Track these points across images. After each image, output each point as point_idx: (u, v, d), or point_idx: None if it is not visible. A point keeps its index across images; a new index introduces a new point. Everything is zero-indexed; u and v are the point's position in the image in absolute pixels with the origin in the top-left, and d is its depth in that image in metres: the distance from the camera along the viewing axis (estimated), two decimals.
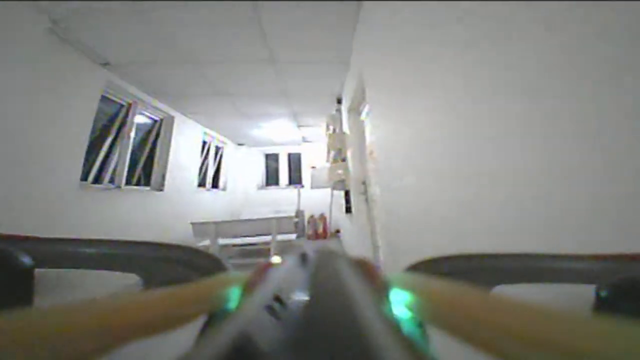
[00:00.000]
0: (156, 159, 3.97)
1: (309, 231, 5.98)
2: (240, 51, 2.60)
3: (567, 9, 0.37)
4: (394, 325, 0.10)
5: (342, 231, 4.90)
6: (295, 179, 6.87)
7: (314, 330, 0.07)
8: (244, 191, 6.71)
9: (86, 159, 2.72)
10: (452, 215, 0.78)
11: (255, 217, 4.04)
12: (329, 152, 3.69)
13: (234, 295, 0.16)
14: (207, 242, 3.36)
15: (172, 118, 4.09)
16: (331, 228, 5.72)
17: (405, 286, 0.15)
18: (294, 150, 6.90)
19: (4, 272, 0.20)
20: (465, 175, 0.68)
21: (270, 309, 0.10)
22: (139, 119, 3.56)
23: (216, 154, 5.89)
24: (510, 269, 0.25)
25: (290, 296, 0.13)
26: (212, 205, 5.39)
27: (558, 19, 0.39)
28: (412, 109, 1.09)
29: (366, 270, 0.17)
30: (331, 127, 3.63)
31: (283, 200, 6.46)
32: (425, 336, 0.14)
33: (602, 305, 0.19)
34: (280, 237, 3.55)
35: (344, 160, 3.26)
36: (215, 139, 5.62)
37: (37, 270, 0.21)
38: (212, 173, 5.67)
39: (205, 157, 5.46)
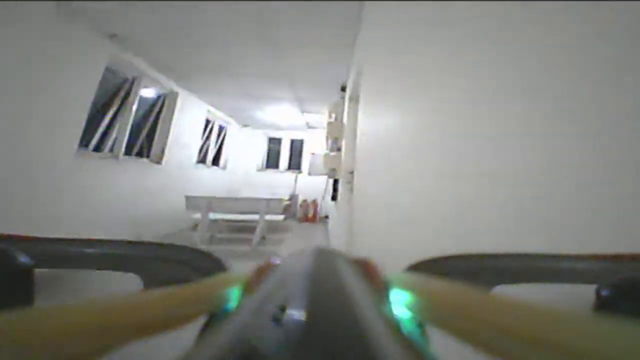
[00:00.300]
0: (157, 133, 4.00)
1: (299, 214, 6.23)
2: (246, 33, 2.56)
3: (563, 9, 0.37)
4: (394, 325, 0.10)
5: (329, 217, 5.12)
6: (294, 165, 7.03)
7: (314, 331, 0.07)
8: (244, 172, 6.88)
9: (89, 128, 2.81)
10: (407, 202, 0.81)
11: (253, 197, 4.32)
12: (327, 140, 3.74)
13: (234, 295, 0.16)
14: (198, 216, 3.56)
15: (175, 94, 4.12)
16: (321, 213, 6.02)
17: (405, 286, 0.15)
18: (297, 136, 7.02)
19: (4, 272, 0.20)
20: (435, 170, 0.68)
21: (269, 310, 0.10)
22: (145, 92, 3.66)
23: (219, 133, 6.01)
24: (510, 269, 0.25)
25: (290, 296, 0.13)
26: (210, 182, 5.58)
27: (557, 19, 0.39)
28: (397, 101, 1.11)
29: (366, 270, 0.17)
30: (333, 116, 3.63)
31: (281, 183, 6.67)
32: (425, 336, 0.14)
33: (602, 305, 0.19)
34: (268, 217, 3.81)
35: (339, 149, 3.26)
36: (220, 118, 5.70)
37: (37, 270, 0.21)
38: (213, 151, 5.77)
39: (208, 136, 5.55)
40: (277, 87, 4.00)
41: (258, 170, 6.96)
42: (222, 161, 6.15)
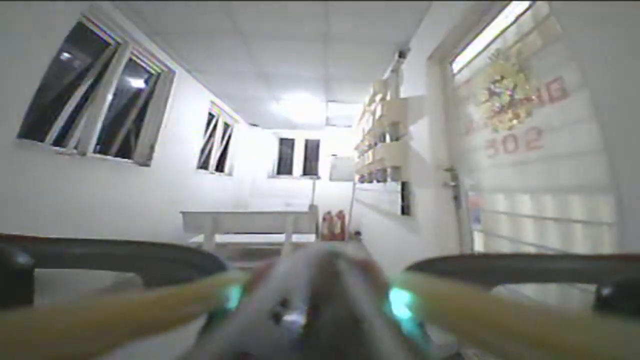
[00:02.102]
0: (145, 124, 2.93)
1: (323, 230, 5.08)
2: None
3: None
4: (394, 325, 0.10)
5: (370, 236, 3.80)
6: (310, 169, 6.12)
7: (315, 330, 0.07)
8: (252, 179, 5.89)
9: (47, 114, 1.96)
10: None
11: (276, 210, 3.07)
12: (368, 133, 2.91)
13: (234, 295, 0.16)
14: (200, 239, 2.64)
15: (172, 74, 3.10)
16: (350, 228, 4.75)
17: (406, 286, 0.15)
18: (312, 136, 6.14)
19: (4, 272, 0.20)
20: None
21: (271, 309, 0.10)
22: (130, 80, 2.63)
23: (224, 132, 4.98)
24: (510, 269, 0.25)
25: (291, 296, 0.13)
26: (214, 192, 4.55)
27: None
28: None
29: (367, 270, 0.17)
30: (379, 97, 2.75)
31: (296, 192, 5.70)
32: (425, 336, 0.14)
33: (602, 305, 0.19)
34: (296, 238, 2.69)
35: (398, 139, 2.38)
36: (225, 113, 4.69)
37: (37, 270, 0.21)
38: (217, 154, 4.70)
39: (211, 134, 4.53)
40: (303, 60, 2.87)
41: (269, 177, 6.03)
42: (227, 166, 5.18)
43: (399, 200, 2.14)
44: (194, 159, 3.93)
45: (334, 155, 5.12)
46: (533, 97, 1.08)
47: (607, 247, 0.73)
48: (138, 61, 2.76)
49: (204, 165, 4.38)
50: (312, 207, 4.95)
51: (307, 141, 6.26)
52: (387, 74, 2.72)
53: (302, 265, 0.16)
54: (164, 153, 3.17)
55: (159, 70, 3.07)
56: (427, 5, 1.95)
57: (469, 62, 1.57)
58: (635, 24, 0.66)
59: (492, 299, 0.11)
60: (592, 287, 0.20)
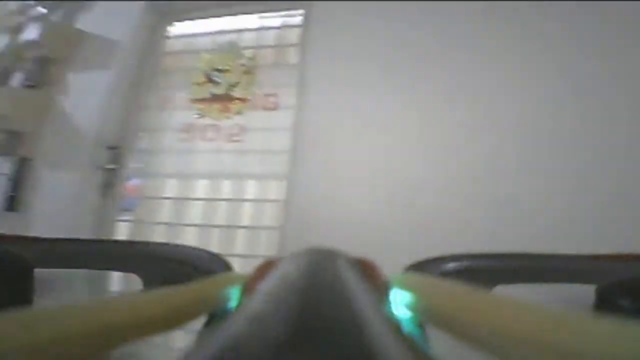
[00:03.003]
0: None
1: None
2: None
3: None
4: (394, 325, 0.10)
5: None
6: None
7: (315, 330, 0.07)
8: None
9: None
10: None
11: None
12: None
13: (234, 295, 0.16)
14: None
15: None
16: None
17: (405, 286, 0.15)
18: None
19: (4, 272, 0.20)
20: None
21: (270, 309, 0.10)
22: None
23: None
24: (510, 269, 0.25)
25: (290, 296, 0.13)
26: None
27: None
28: None
29: (366, 270, 0.17)
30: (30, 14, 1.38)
31: None
32: (425, 336, 0.14)
33: (602, 305, 0.19)
34: None
35: (37, 87, 1.34)
36: None
37: (37, 270, 0.21)
38: None
39: None
40: None
41: None
42: None
43: (6, 188, 1.25)
44: None
45: None
46: (249, 99, 1.20)
47: (269, 219, 1.07)
48: None
49: None
50: None
51: None
52: None
53: (302, 264, 0.16)
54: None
55: None
56: None
57: (199, 35, 1.33)
58: None
59: (492, 299, 0.11)
60: (592, 287, 0.20)
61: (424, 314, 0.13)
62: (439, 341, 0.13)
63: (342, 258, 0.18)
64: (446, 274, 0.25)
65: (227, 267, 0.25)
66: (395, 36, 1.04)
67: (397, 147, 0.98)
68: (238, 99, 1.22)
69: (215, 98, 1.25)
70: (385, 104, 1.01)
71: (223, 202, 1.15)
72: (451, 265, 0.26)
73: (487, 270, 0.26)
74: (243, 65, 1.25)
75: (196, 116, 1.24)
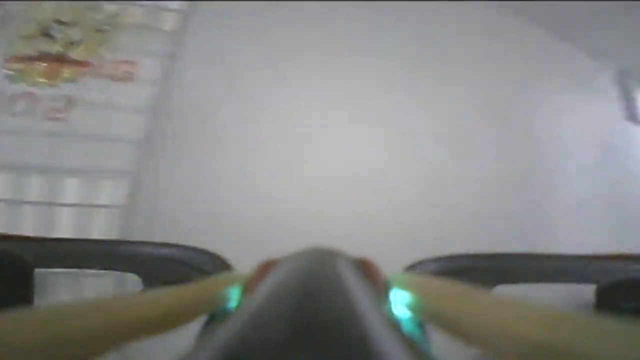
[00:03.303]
0: None
1: None
2: None
3: None
4: (394, 325, 0.10)
5: None
6: None
7: (313, 331, 0.07)
8: None
9: None
10: None
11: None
12: None
13: (234, 295, 0.16)
14: None
15: None
16: None
17: (406, 286, 0.15)
18: None
19: (4, 272, 0.20)
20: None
21: (270, 309, 0.10)
22: None
23: None
24: (510, 269, 0.25)
25: (289, 296, 0.13)
26: None
27: None
28: None
29: (366, 269, 0.17)
30: None
31: None
32: (425, 336, 0.14)
33: (602, 305, 0.19)
34: None
35: None
36: None
37: (37, 270, 0.21)
38: None
39: None
40: None
41: None
42: None
43: None
44: None
45: None
46: (92, 63, 0.87)
47: (97, 231, 0.84)
48: None
49: None
50: None
51: None
52: None
53: (301, 264, 0.16)
54: None
55: None
56: None
57: None
58: None
59: (492, 299, 0.11)
60: (592, 287, 0.20)
61: (424, 313, 0.13)
62: (439, 341, 0.13)
63: (342, 258, 0.18)
64: (446, 274, 0.25)
65: (227, 267, 0.25)
66: (301, 10, 0.84)
67: (294, 141, 0.80)
68: (76, 61, 0.87)
69: (42, 57, 0.87)
70: (280, 88, 0.80)
71: (29, 207, 0.80)
72: (451, 265, 0.26)
73: (487, 270, 0.25)
74: (96, 20, 0.91)
75: (6, 80, 0.85)
